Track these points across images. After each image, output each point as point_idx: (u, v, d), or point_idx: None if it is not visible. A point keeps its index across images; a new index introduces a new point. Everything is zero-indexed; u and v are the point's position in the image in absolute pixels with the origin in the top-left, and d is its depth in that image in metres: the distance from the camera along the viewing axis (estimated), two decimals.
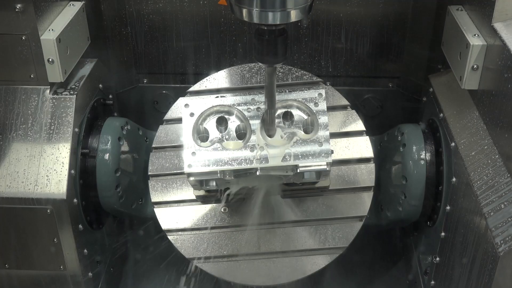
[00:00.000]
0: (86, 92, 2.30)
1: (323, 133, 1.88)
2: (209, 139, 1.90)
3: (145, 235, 2.70)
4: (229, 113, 1.93)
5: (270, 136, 1.89)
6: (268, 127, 1.88)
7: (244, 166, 1.85)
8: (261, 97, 1.92)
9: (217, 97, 1.95)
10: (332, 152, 1.89)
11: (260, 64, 2.21)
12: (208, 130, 1.91)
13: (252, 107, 1.91)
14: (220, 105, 1.93)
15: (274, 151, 1.85)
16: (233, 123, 1.92)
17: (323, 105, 1.92)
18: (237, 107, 1.91)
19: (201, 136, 1.91)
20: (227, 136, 1.90)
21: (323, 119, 1.90)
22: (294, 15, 1.56)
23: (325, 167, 1.86)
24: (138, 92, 2.82)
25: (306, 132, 1.91)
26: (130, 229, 2.75)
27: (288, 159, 1.85)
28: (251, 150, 1.86)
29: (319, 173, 1.90)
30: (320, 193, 2.13)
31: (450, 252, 2.07)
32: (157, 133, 2.23)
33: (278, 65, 2.14)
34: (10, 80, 2.17)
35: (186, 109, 1.92)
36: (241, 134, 1.92)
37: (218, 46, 2.67)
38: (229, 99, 1.93)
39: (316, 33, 2.61)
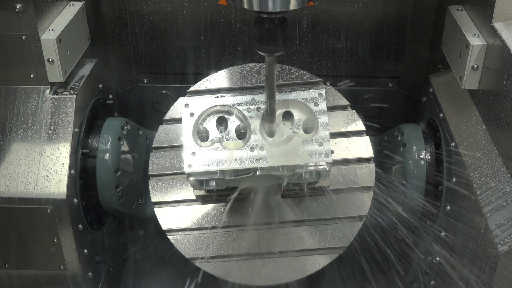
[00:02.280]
0: (86, 92, 2.30)
1: (323, 133, 1.88)
2: (209, 139, 1.90)
3: (145, 235, 2.71)
4: (229, 113, 1.93)
5: (271, 128, 1.88)
6: (268, 118, 1.88)
7: (244, 166, 1.85)
8: (261, 97, 1.92)
9: (217, 97, 1.95)
10: (332, 152, 1.89)
11: (260, 64, 2.23)
12: (208, 130, 1.91)
13: (252, 107, 1.91)
14: (220, 105, 1.93)
15: (274, 151, 1.85)
16: (233, 123, 1.92)
17: (323, 105, 1.92)
18: (237, 107, 1.91)
19: (201, 136, 1.91)
20: (227, 136, 1.90)
21: (323, 119, 1.90)
22: (293, 3, 1.56)
23: (325, 167, 1.86)
24: (138, 92, 2.82)
25: (306, 132, 1.91)
26: (130, 229, 2.75)
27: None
28: (251, 150, 1.85)
29: (319, 173, 1.90)
30: (320, 193, 2.13)
31: (450, 252, 2.07)
32: (157, 133, 2.23)
33: (278, 65, 2.16)
34: (10, 80, 2.17)
35: (186, 109, 1.92)
36: (241, 134, 1.92)
37: (218, 46, 2.67)
38: (229, 99, 1.93)
39: (316, 33, 2.61)
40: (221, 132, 1.91)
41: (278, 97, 1.90)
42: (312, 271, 2.10)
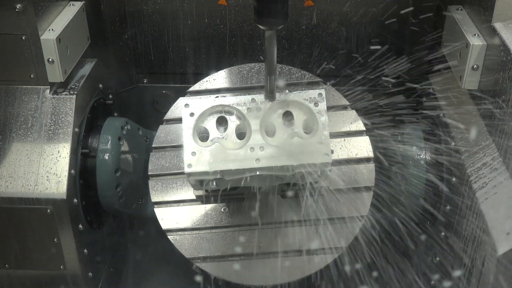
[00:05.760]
0: (86, 92, 2.30)
1: (323, 133, 1.88)
2: (209, 139, 1.90)
3: (145, 235, 2.70)
4: (229, 113, 1.93)
5: (271, 127, 1.88)
6: (268, 96, 1.88)
7: (244, 166, 1.84)
8: (261, 97, 1.92)
9: (217, 97, 1.95)
10: (332, 152, 1.89)
11: (260, 64, 2.23)
12: (208, 130, 1.91)
13: (252, 107, 1.91)
14: (220, 105, 1.93)
15: (274, 151, 1.85)
16: (233, 123, 1.92)
17: (323, 105, 1.91)
18: (237, 107, 1.91)
19: (201, 136, 1.91)
20: (227, 136, 1.90)
21: (323, 119, 1.89)
22: None
23: (325, 167, 1.86)
24: (138, 92, 2.82)
25: (306, 132, 1.91)
26: (130, 229, 2.75)
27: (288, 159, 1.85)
28: (251, 150, 1.85)
29: (319, 173, 1.90)
30: (320, 193, 2.13)
31: (450, 252, 2.07)
32: (157, 133, 2.23)
33: (278, 65, 2.15)
34: (10, 80, 2.17)
35: (186, 109, 1.92)
36: (241, 134, 1.92)
37: (218, 46, 2.67)
38: (229, 99, 1.93)
39: (316, 33, 2.61)
40: (221, 132, 1.91)
41: (278, 97, 1.90)
42: (312, 271, 2.10)
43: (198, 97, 2.02)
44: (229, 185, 1.96)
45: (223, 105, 1.92)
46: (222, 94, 1.95)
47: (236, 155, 1.85)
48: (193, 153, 1.87)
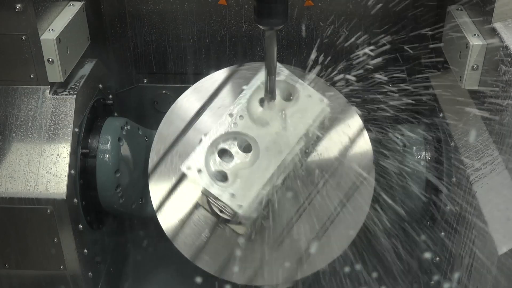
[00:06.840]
0: (86, 92, 2.30)
1: (305, 88, 1.87)
2: (228, 175, 1.84)
3: (145, 235, 2.71)
4: (224, 142, 1.89)
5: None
6: (268, 95, 1.88)
7: (275, 166, 1.83)
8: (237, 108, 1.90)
9: (200, 140, 1.90)
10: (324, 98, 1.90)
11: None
12: (222, 168, 1.85)
13: (237, 122, 1.87)
14: (213, 144, 1.87)
15: (282, 137, 1.85)
16: (234, 147, 1.88)
17: (293, 77, 1.92)
18: (228, 130, 1.86)
19: (219, 176, 1.85)
20: (239, 161, 1.85)
21: (297, 82, 1.90)
22: None
23: (326, 109, 1.88)
24: (138, 92, 2.82)
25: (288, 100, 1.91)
26: (130, 229, 2.75)
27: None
28: (268, 151, 1.83)
29: (324, 121, 1.91)
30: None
31: (450, 252, 2.07)
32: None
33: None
34: (10, 80, 2.17)
35: (191, 171, 1.84)
36: (247, 146, 1.89)
37: (218, 46, 2.67)
38: (213, 133, 1.87)
39: (316, 33, 2.61)
40: (233, 160, 1.86)
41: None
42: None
43: (192, 153, 1.89)
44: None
45: (215, 141, 1.87)
46: (204, 134, 1.90)
47: (260, 165, 1.82)
48: (232, 195, 1.80)
